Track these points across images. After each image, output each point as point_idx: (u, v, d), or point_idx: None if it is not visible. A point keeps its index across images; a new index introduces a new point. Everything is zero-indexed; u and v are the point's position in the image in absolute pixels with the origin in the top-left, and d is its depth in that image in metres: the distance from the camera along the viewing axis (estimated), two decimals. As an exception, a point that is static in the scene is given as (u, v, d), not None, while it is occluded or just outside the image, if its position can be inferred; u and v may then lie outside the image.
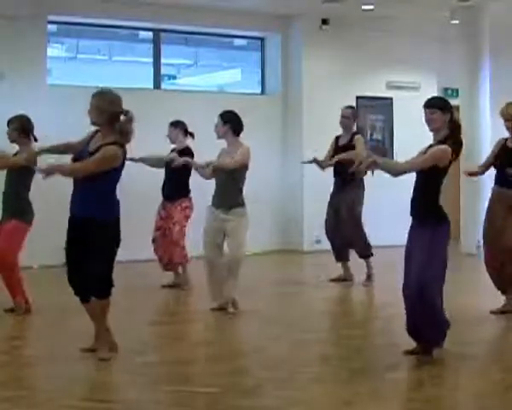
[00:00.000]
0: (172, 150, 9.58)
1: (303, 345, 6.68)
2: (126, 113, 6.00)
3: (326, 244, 10.25)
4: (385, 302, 8.47)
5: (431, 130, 6.08)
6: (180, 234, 9.34)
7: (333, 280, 9.97)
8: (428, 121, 6.06)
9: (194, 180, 9.24)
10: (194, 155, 9.20)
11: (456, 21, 13.08)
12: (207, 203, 8.06)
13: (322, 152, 10.03)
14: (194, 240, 9.01)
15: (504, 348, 6.76)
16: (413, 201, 6.09)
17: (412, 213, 6.11)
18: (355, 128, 10.12)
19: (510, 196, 7.65)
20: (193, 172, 9.05)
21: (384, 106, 14.30)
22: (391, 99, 14.43)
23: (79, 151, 6.05)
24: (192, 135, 9.55)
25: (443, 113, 6.02)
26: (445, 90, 14.77)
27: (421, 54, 14.32)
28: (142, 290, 9.38)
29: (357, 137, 9.83)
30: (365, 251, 9.83)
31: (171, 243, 9.35)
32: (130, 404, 5.13)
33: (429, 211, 6.00)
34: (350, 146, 9.71)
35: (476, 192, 12.21)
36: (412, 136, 12.22)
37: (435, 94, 13.89)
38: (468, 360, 6.07)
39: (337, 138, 9.98)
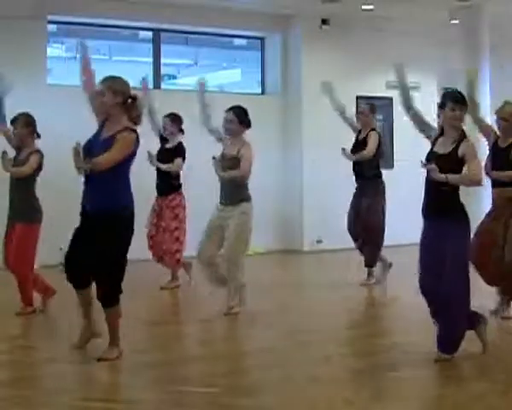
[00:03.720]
0: (163, 139, 9.59)
1: (303, 345, 6.68)
2: (135, 97, 6.07)
3: (326, 244, 10.26)
4: (386, 302, 8.48)
5: (453, 126, 5.87)
6: (172, 241, 9.42)
7: (363, 285, 9.77)
8: (454, 118, 5.86)
9: (199, 178, 9.28)
10: (191, 153, 9.41)
11: (456, 21, 13.09)
12: (208, 201, 8.05)
13: (322, 153, 10.01)
14: (192, 239, 9.02)
15: (504, 348, 6.76)
16: (437, 197, 5.87)
17: (436, 211, 5.89)
18: (374, 124, 9.96)
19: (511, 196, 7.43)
20: (189, 170, 9.19)
21: (384, 106, 14.28)
22: (391, 99, 14.42)
23: (89, 141, 6.00)
24: (183, 131, 9.65)
25: (466, 111, 5.93)
26: (445, 90, 14.75)
27: (421, 54, 14.32)
28: (142, 291, 9.38)
29: (371, 132, 9.67)
30: (372, 261, 9.80)
31: (165, 250, 9.46)
32: (130, 404, 5.13)
33: (456, 204, 5.90)
34: (365, 142, 9.63)
35: (475, 191, 12.17)
36: (412, 136, 12.19)
37: (435, 94, 13.92)
38: (469, 359, 6.06)
39: (359, 132, 9.85)
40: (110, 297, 5.94)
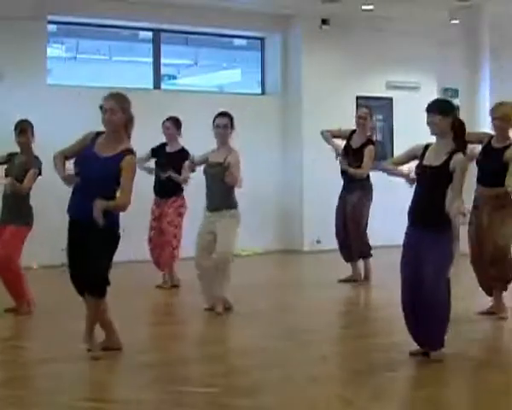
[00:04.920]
0: (164, 144, 9.59)
1: (303, 345, 6.68)
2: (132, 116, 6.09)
3: (326, 244, 10.26)
4: (385, 302, 8.47)
5: (432, 134, 5.96)
6: (173, 235, 9.41)
7: (342, 281, 9.93)
8: (429, 125, 5.94)
9: (196, 179, 9.25)
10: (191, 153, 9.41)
11: (456, 21, 13.09)
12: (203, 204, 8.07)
13: (322, 153, 10.01)
14: (189, 240, 9.03)
15: (501, 348, 6.77)
16: (425, 207, 5.91)
17: (422, 220, 5.93)
18: (370, 130, 9.97)
19: (494, 195, 7.45)
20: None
21: (384, 106, 14.30)
22: (391, 99, 14.44)
23: (82, 155, 5.99)
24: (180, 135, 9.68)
25: (443, 117, 5.87)
26: (445, 90, 14.77)
27: (421, 54, 14.33)
28: (141, 291, 9.38)
29: (368, 148, 9.63)
30: (363, 251, 9.83)
31: (165, 242, 9.42)
32: (130, 404, 5.13)
33: (442, 216, 5.84)
34: (360, 153, 9.61)
35: (471, 191, 12.18)
36: (412, 136, 12.19)
37: (435, 94, 13.91)
38: (466, 360, 6.07)
39: (352, 133, 9.83)
40: (99, 286, 5.94)
